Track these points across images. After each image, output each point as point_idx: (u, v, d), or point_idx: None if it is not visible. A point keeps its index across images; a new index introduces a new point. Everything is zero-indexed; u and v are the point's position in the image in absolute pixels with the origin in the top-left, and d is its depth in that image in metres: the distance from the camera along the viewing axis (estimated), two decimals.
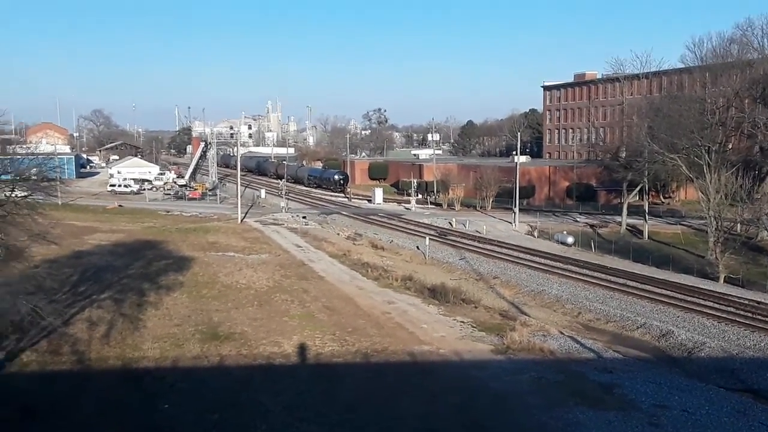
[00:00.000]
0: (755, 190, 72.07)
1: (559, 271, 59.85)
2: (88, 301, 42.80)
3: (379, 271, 56.81)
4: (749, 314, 45.44)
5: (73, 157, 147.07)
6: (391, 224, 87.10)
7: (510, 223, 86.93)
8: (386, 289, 50.82)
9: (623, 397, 29.89)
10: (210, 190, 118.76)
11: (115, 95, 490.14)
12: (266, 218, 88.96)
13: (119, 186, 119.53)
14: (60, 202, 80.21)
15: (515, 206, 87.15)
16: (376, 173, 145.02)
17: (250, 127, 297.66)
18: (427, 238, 71.73)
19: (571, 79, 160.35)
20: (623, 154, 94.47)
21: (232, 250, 64.67)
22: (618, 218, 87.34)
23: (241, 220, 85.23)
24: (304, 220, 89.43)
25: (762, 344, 40.01)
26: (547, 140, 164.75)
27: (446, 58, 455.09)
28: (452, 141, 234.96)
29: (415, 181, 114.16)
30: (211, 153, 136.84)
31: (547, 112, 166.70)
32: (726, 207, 65.81)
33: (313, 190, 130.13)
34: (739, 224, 70.48)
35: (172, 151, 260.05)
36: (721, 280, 57.83)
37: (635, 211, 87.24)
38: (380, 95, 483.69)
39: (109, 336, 36.60)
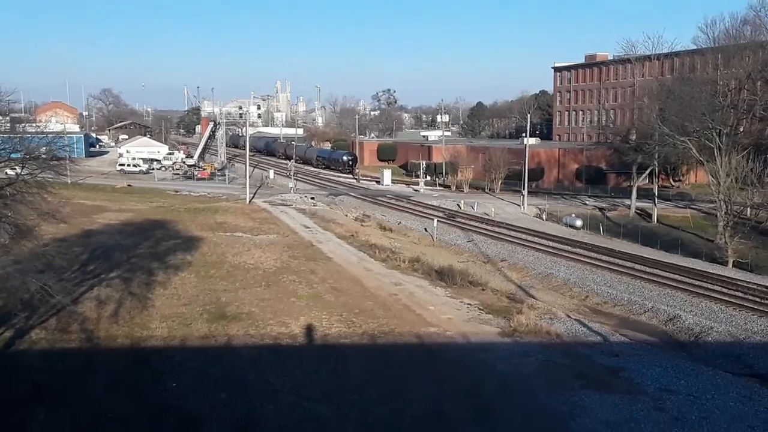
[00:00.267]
0: (765, 173, 71.50)
1: (567, 254, 59.75)
2: (96, 279, 43.10)
3: (387, 253, 56.89)
4: (757, 299, 45.26)
5: (82, 136, 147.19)
6: (399, 206, 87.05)
7: (518, 205, 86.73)
8: (394, 270, 50.92)
9: (629, 380, 29.95)
10: (219, 170, 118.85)
11: (125, 74, 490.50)
12: (275, 199, 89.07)
13: (128, 165, 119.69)
14: (69, 181, 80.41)
15: (524, 188, 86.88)
16: (385, 154, 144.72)
17: (259, 107, 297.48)
18: (435, 220, 71.69)
19: (582, 61, 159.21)
20: (633, 137, 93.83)
21: (240, 230, 64.84)
22: (627, 201, 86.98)
23: (250, 201, 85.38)
24: (312, 200, 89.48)
25: None
26: (557, 122, 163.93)
27: (456, 38, 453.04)
28: (461, 122, 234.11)
29: (423, 162, 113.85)
30: (220, 133, 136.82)
31: (558, 94, 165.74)
32: (736, 191, 65.34)
33: (322, 170, 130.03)
34: (749, 208, 70.01)
35: (181, 131, 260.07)
36: (730, 265, 57.62)
37: (645, 194, 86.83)
38: (390, 76, 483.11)
39: (118, 315, 36.86)
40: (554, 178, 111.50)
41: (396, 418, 25.84)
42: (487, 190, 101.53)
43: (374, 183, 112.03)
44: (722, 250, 59.76)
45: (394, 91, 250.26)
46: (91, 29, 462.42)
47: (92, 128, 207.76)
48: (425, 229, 72.10)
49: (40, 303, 33.56)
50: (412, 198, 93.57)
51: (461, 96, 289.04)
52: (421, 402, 26.97)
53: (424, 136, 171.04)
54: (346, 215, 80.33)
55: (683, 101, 79.79)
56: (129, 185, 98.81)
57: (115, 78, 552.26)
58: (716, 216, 67.20)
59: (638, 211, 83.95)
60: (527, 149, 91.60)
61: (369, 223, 75.63)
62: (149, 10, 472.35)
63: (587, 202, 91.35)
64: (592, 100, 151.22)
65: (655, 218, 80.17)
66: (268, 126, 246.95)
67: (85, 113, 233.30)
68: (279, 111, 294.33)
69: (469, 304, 41.78)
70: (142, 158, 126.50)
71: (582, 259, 58.12)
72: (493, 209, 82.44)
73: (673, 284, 49.36)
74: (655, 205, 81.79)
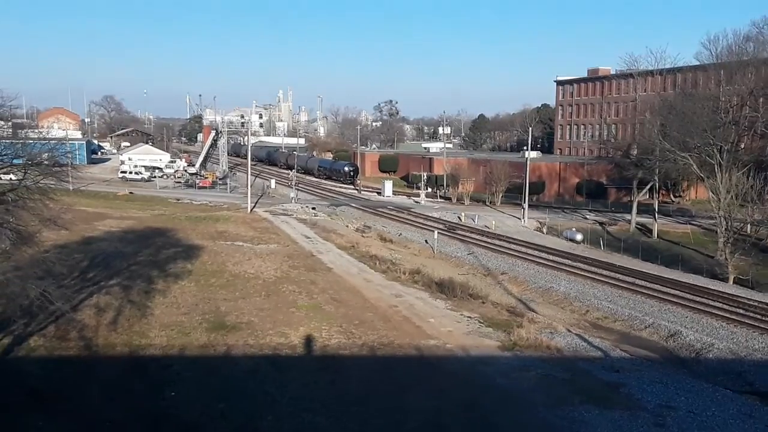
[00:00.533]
0: (766, 190, 71.54)
1: (568, 269, 59.67)
2: (96, 287, 43.02)
3: (387, 264, 56.84)
4: (758, 316, 45.17)
5: (84, 142, 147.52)
6: (400, 217, 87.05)
7: (519, 218, 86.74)
8: (394, 282, 50.85)
9: (629, 396, 29.81)
10: (220, 179, 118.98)
11: (127, 81, 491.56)
12: (276, 208, 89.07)
13: (130, 173, 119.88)
14: (71, 188, 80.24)
15: (525, 202, 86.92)
16: (386, 166, 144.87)
17: (261, 117, 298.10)
18: (436, 232, 71.64)
19: (584, 75, 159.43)
20: (634, 152, 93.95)
21: (240, 239, 64.81)
22: (628, 216, 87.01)
23: (251, 210, 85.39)
24: (313, 211, 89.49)
25: None
26: (559, 136, 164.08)
27: (459, 51, 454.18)
28: (463, 135, 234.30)
29: (425, 174, 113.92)
30: (222, 142, 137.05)
31: (560, 108, 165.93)
32: (736, 207, 65.41)
33: (323, 181, 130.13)
34: (749, 225, 70.06)
35: (183, 138, 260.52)
36: (731, 281, 57.55)
37: (645, 209, 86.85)
38: (392, 87, 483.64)
39: (117, 323, 36.78)
40: (555, 192, 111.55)
41: (395, 430, 25.76)
42: (487, 203, 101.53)
43: (375, 194, 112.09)
44: (723, 267, 59.71)
45: (397, 103, 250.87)
46: (93, 36, 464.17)
47: (94, 135, 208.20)
48: (426, 240, 72.04)
49: (40, 310, 33.45)
50: (413, 210, 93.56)
51: (463, 108, 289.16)
52: (420, 414, 26.85)
53: (425, 148, 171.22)
54: (347, 226, 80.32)
55: (685, 117, 79.95)
56: (130, 193, 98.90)
57: (118, 85, 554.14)
58: (717, 232, 67.20)
59: (639, 226, 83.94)
60: (528, 162, 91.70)
61: (370, 234, 75.60)
62: (152, 17, 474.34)
63: (588, 217, 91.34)
64: (594, 114, 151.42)
65: (655, 233, 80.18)
66: (269, 135, 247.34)
67: (87, 120, 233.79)
68: (281, 120, 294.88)
69: (470, 317, 41.68)
70: (143, 166, 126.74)
71: (582, 273, 58.02)
72: (493, 222, 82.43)
73: (674, 300, 49.25)
74: (655, 220, 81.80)
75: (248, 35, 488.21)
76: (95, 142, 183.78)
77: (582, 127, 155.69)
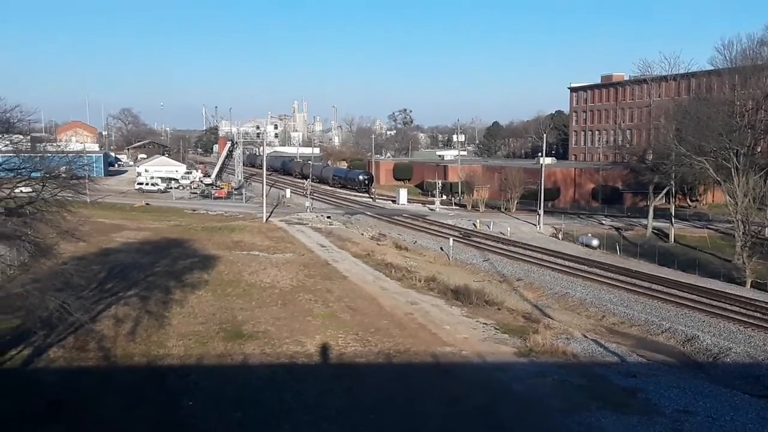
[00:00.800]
0: None
1: (584, 274, 59.54)
2: (114, 298, 43.41)
3: (403, 272, 56.92)
4: None
5: (101, 155, 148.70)
6: (415, 225, 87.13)
7: (534, 225, 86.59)
8: (409, 289, 50.89)
9: (647, 401, 29.71)
10: (236, 189, 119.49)
11: (144, 94, 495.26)
12: (291, 218, 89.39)
13: (146, 184, 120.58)
14: (88, 200, 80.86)
15: (540, 208, 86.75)
16: (401, 174, 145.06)
17: (276, 127, 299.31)
18: (451, 239, 71.68)
19: (597, 81, 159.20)
20: (650, 157, 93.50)
21: (256, 249, 65.11)
22: (644, 221, 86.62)
23: (266, 220, 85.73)
24: (328, 219, 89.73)
25: None
26: (573, 142, 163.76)
27: (472, 58, 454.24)
28: (477, 142, 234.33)
29: (439, 182, 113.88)
30: (238, 152, 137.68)
31: (574, 114, 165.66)
32: (754, 211, 65.05)
33: (338, 190, 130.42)
34: (766, 228, 69.59)
35: (199, 150, 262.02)
36: (748, 285, 57.23)
37: (661, 214, 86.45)
38: (406, 96, 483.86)
39: (135, 333, 37.07)
40: (570, 198, 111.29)
41: None
42: (502, 210, 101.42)
43: (390, 202, 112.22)
44: (740, 271, 59.38)
45: (411, 111, 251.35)
46: (112, 50, 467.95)
47: (111, 147, 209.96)
48: (441, 248, 72.09)
49: (59, 321, 33.75)
50: (427, 217, 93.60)
51: (477, 116, 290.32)
52: (437, 421, 26.91)
53: (440, 156, 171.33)
54: (362, 234, 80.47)
55: (700, 121, 79.49)
56: (147, 204, 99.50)
57: (135, 98, 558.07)
58: (734, 236, 66.77)
59: (655, 231, 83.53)
60: (543, 169, 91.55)
61: (385, 242, 75.72)
62: (168, 30, 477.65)
63: (603, 222, 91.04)
64: (608, 120, 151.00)
65: (672, 238, 79.77)
66: (284, 145, 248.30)
67: (104, 132, 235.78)
68: (296, 131, 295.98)
69: (485, 324, 41.68)
70: (160, 177, 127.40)
71: (598, 278, 57.89)
72: (509, 228, 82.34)
73: (691, 304, 49.05)
74: (672, 224, 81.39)
75: (264, 47, 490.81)
76: (112, 154, 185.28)
77: (596, 132, 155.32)
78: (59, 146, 76.03)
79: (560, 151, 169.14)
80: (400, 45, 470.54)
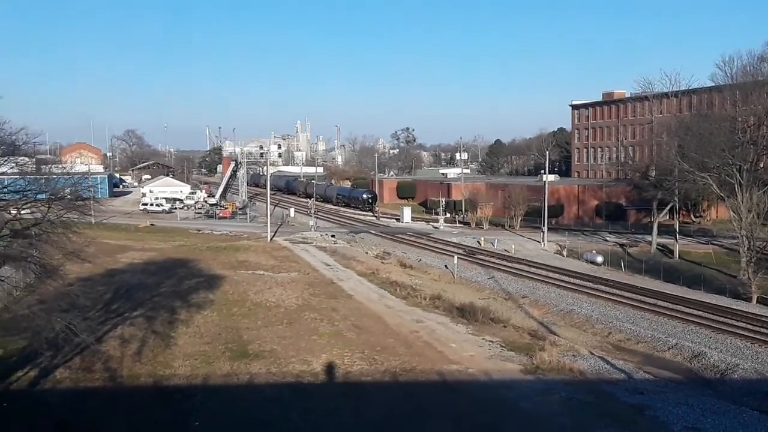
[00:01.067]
0: None
1: (589, 291, 59.47)
2: (120, 318, 43.46)
3: (408, 290, 56.90)
4: None
5: (106, 176, 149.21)
6: (419, 243, 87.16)
7: (539, 242, 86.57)
8: (415, 307, 50.87)
9: (655, 419, 29.60)
10: (240, 209, 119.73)
11: (148, 116, 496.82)
12: (295, 237, 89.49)
13: (151, 205, 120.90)
14: (93, 221, 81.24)
15: (544, 225, 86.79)
16: (405, 192, 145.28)
17: (279, 147, 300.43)
18: (456, 257, 71.68)
19: (599, 98, 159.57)
20: (653, 173, 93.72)
21: (261, 268, 65.18)
22: (648, 237, 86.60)
23: (271, 239, 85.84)
24: (332, 238, 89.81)
25: None
26: (576, 159, 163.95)
27: (474, 77, 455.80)
28: (480, 160, 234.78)
29: (443, 200, 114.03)
30: (241, 172, 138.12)
31: (576, 131, 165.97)
32: (758, 226, 64.98)
33: (342, 209, 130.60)
34: None
35: (203, 170, 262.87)
36: (754, 301, 57.10)
37: (665, 230, 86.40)
38: (408, 114, 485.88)
39: (141, 353, 37.08)
40: (574, 215, 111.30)
41: None
42: (506, 227, 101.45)
43: (394, 220, 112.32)
44: (746, 286, 59.27)
45: (413, 130, 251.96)
46: (116, 72, 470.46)
47: (116, 168, 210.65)
48: (446, 266, 72.08)
49: (65, 342, 33.81)
50: (432, 235, 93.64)
51: (480, 134, 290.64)
52: None
53: (443, 174, 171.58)
54: (367, 253, 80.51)
55: (702, 137, 79.75)
56: (152, 224, 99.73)
57: (139, 119, 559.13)
58: (739, 252, 66.75)
59: (659, 247, 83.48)
60: (546, 186, 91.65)
61: (389, 261, 75.73)
62: (172, 52, 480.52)
63: (608, 239, 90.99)
64: (611, 137, 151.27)
65: (676, 254, 79.71)
66: (288, 165, 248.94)
67: (108, 154, 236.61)
68: (299, 150, 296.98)
69: (491, 341, 41.62)
70: (164, 198, 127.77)
71: (604, 295, 57.80)
72: (513, 246, 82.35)
73: (697, 321, 48.94)
74: (676, 241, 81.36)
75: (266, 67, 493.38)
76: (117, 175, 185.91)
77: (599, 149, 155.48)
78: (64, 168, 76.37)
79: (563, 169, 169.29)
80: (402, 64, 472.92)
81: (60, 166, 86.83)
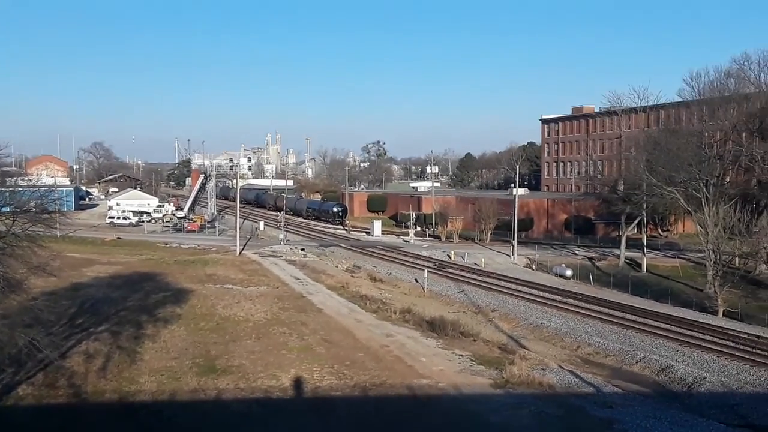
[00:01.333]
0: (753, 223, 72.09)
1: (558, 304, 59.72)
2: (85, 333, 42.75)
3: (378, 304, 56.75)
4: (748, 348, 45.26)
5: (72, 189, 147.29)
6: (389, 257, 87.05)
7: (508, 255, 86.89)
8: (385, 321, 50.73)
9: None
10: (209, 222, 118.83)
11: (115, 128, 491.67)
12: (265, 250, 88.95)
13: (118, 218, 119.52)
14: (59, 234, 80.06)
15: (514, 239, 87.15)
16: (375, 205, 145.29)
17: (249, 160, 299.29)
18: (426, 271, 71.66)
19: (568, 113, 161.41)
20: (621, 187, 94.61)
21: (230, 282, 64.62)
22: (616, 251, 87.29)
23: (240, 253, 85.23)
24: (302, 252, 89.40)
25: (762, 379, 39.86)
26: (545, 173, 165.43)
27: (445, 90, 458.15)
28: (451, 173, 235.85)
29: (413, 213, 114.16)
30: (210, 185, 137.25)
31: (545, 145, 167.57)
32: (724, 240, 65.73)
33: (312, 222, 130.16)
34: (737, 258, 70.45)
35: (172, 183, 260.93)
36: (720, 314, 57.67)
37: (633, 244, 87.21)
38: (379, 128, 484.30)
39: (106, 369, 36.48)
40: (543, 228, 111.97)
41: None
42: (477, 241, 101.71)
43: (364, 234, 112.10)
44: (712, 300, 59.85)
45: (384, 143, 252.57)
46: (82, 84, 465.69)
47: (82, 181, 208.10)
48: (416, 279, 72.02)
49: (28, 358, 33.21)
50: (402, 249, 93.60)
51: (450, 147, 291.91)
52: None
53: (413, 187, 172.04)
54: (337, 266, 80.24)
55: (670, 152, 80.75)
56: (118, 238, 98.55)
57: (106, 131, 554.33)
58: (705, 265, 67.44)
59: (627, 261, 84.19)
60: (516, 199, 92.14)
61: (359, 274, 75.51)
62: (140, 64, 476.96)
63: (577, 252, 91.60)
64: (580, 151, 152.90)
65: (644, 268, 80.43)
66: (258, 178, 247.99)
67: (75, 166, 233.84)
68: (269, 163, 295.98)
69: (461, 355, 41.58)
70: (131, 211, 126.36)
71: (573, 309, 58.07)
72: (483, 259, 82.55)
73: (665, 334, 49.30)
74: (644, 254, 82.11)
75: (236, 80, 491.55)
76: (83, 188, 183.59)
77: (568, 163, 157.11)
78: (30, 181, 75.42)
79: (533, 182, 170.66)
80: (373, 77, 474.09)
81: (25, 178, 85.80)
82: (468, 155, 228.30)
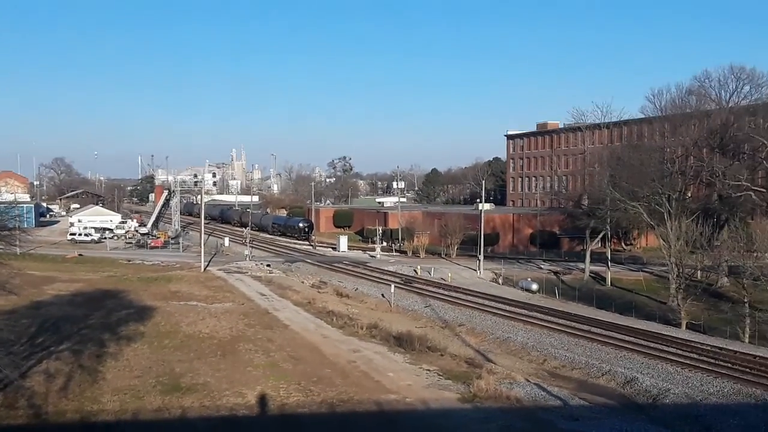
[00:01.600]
0: (715, 237, 73.25)
1: (525, 318, 59.94)
2: (46, 352, 41.85)
3: (345, 320, 56.46)
4: (711, 360, 45.80)
5: (32, 205, 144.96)
6: (356, 272, 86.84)
7: (475, 270, 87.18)
8: (351, 337, 50.47)
9: None
10: (173, 239, 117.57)
11: (78, 144, 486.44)
12: (230, 266, 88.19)
13: (79, 235, 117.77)
14: (19, 252, 78.76)
15: (480, 253, 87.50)
16: (341, 221, 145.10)
17: (214, 175, 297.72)
18: (393, 286, 71.56)
19: (533, 129, 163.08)
20: (585, 202, 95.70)
21: (194, 299, 63.88)
22: (581, 265, 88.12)
23: (205, 269, 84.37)
24: (268, 268, 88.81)
25: (725, 390, 40.27)
26: (511, 188, 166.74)
27: (411, 106, 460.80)
28: (417, 189, 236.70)
29: (380, 228, 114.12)
30: (174, 201, 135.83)
31: (511, 161, 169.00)
32: (687, 254, 66.68)
33: (278, 238, 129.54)
34: (699, 271, 71.45)
35: (135, 199, 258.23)
36: (683, 327, 58.33)
37: (598, 257, 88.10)
38: (345, 143, 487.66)
39: (67, 389, 35.71)
40: (509, 243, 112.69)
41: None
42: (443, 255, 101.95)
43: (331, 249, 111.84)
44: (675, 312, 60.55)
45: (350, 158, 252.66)
46: (43, 99, 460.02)
47: (43, 197, 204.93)
48: (382, 294, 71.86)
49: None
50: (368, 264, 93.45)
51: (416, 163, 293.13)
52: None
53: (379, 203, 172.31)
54: (303, 282, 79.79)
55: (633, 168, 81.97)
56: (80, 255, 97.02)
57: (68, 147, 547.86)
58: (668, 279, 68.28)
59: (592, 275, 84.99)
60: (482, 214, 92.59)
61: (326, 290, 75.16)
62: (103, 79, 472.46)
63: (542, 266, 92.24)
64: (545, 166, 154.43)
65: (608, 281, 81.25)
66: (223, 194, 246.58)
67: (36, 182, 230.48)
68: (234, 179, 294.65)
69: (428, 370, 41.47)
70: (93, 227, 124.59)
71: (539, 323, 58.31)
72: (449, 274, 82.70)
73: (629, 347, 49.68)
74: (608, 268, 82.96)
75: (201, 95, 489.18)
76: (44, 204, 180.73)
77: (533, 179, 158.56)
78: None
79: (498, 197, 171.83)
80: (338, 92, 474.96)
81: None
82: (434, 171, 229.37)
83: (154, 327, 50.87)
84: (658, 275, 79.61)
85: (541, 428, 31.66)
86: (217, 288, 70.96)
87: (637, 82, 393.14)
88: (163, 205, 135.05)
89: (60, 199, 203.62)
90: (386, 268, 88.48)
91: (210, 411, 33.38)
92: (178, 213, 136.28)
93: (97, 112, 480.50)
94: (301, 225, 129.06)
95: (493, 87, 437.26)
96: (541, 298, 71.10)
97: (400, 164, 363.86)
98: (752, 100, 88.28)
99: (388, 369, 41.50)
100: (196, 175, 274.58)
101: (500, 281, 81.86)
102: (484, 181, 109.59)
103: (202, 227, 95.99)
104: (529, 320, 59.24)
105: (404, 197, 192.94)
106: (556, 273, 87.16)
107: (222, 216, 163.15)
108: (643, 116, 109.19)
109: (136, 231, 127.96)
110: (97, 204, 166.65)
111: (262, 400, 34.80)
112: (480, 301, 67.87)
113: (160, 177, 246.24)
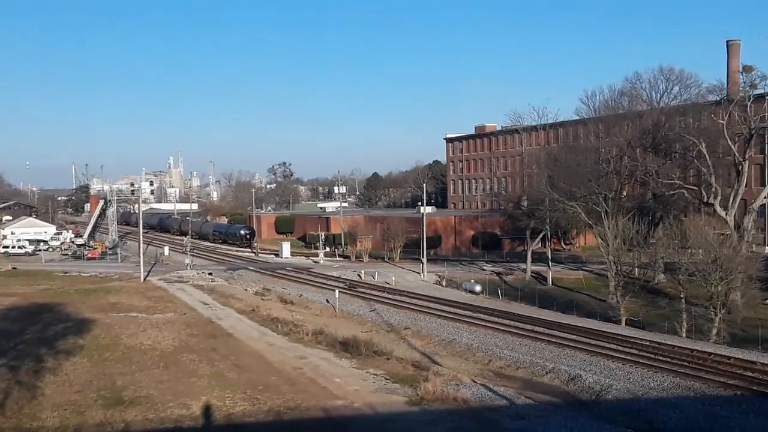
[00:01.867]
0: (650, 235, 74.97)
1: (469, 320, 60.38)
2: None
3: (290, 326, 56.03)
4: (651, 355, 46.82)
5: None
6: (299, 278, 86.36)
7: (418, 273, 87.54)
8: (297, 344, 50.08)
9: None
10: (110, 249, 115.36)
11: (8, 154, 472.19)
12: (170, 276, 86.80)
13: (13, 247, 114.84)
14: None
15: (423, 256, 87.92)
16: (283, 227, 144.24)
17: (151, 183, 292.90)
18: (337, 291, 71.36)
19: (472, 131, 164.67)
20: (525, 203, 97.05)
21: (135, 310, 62.64)
22: (522, 265, 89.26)
23: (144, 279, 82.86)
24: (210, 276, 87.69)
25: (665, 384, 41.19)
26: (452, 191, 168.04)
27: (350, 110, 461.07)
28: (358, 193, 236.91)
29: (322, 234, 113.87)
30: (111, 211, 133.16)
31: (451, 164, 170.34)
32: (624, 252, 68.06)
33: (219, 245, 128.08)
34: (637, 268, 73.03)
35: (70, 210, 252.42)
36: (623, 323, 59.52)
37: (539, 257, 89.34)
38: (285, 149, 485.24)
39: (4, 406, 34.56)
40: (451, 245, 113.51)
41: None
42: (386, 259, 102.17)
43: (273, 256, 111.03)
44: (615, 310, 61.72)
45: (290, 164, 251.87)
46: None
47: None
48: (327, 300, 71.60)
49: None
50: (312, 270, 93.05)
51: (357, 167, 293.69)
52: None
53: (321, 208, 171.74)
54: (246, 290, 78.97)
55: (570, 168, 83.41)
56: (14, 268, 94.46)
57: None
58: (607, 277, 69.61)
59: (534, 275, 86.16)
60: (424, 218, 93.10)
61: (270, 297, 74.54)
62: (33, 85, 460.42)
63: (485, 268, 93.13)
64: (484, 168, 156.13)
65: (549, 281, 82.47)
66: (161, 202, 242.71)
67: None
68: (172, 187, 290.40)
69: (375, 375, 41.37)
70: (27, 239, 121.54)
71: (483, 323, 58.80)
72: (393, 278, 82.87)
73: (572, 344, 50.44)
74: (549, 267, 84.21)
75: (135, 101, 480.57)
76: None
77: (473, 181, 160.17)
78: None
79: (439, 200, 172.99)
80: (277, 99, 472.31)
81: None
82: (375, 175, 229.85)
83: (93, 340, 49.65)
84: (598, 273, 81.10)
85: (488, 428, 31.85)
86: (158, 298, 69.73)
87: (572, 84, 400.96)
88: (100, 215, 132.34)
89: None
90: (330, 274, 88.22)
91: (154, 424, 32.67)
92: (115, 223, 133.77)
93: (28, 120, 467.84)
94: (242, 232, 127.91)
95: (432, 90, 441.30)
96: (485, 299, 71.77)
97: (340, 169, 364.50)
98: (682, 101, 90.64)
99: (335, 375, 41.28)
100: (132, 184, 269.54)
101: (444, 283, 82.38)
102: (425, 185, 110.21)
103: (141, 237, 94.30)
104: (473, 321, 59.70)
105: (346, 202, 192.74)
106: (498, 274, 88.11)
107: (161, 225, 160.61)
108: (577, 117, 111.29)
109: (72, 242, 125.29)
110: (30, 215, 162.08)
111: (208, 410, 34.22)
112: (424, 303, 68.15)
113: (96, 187, 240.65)
